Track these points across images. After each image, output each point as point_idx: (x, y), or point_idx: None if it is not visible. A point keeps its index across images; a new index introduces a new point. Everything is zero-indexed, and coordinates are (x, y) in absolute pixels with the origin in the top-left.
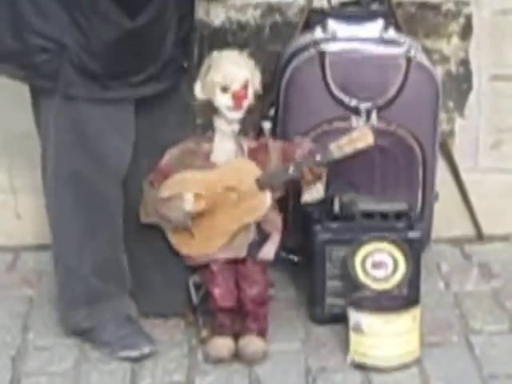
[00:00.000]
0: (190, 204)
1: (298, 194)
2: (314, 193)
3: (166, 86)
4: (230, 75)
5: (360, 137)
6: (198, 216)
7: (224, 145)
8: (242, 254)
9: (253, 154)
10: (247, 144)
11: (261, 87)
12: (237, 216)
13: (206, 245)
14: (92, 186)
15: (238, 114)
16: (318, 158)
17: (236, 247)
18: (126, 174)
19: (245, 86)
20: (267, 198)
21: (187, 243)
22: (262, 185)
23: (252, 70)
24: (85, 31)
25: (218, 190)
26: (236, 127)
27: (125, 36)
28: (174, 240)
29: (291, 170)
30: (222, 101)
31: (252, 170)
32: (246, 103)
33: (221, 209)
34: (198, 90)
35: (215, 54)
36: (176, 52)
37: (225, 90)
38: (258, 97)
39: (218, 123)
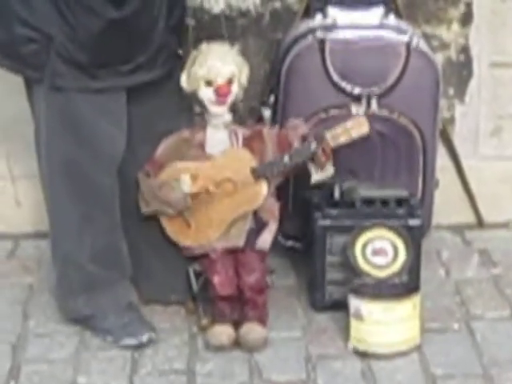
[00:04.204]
0: (187, 184)
1: (299, 181)
2: (325, 172)
3: (158, 74)
4: (214, 69)
5: (355, 126)
6: (194, 206)
7: (216, 135)
8: (240, 243)
9: (248, 143)
10: (242, 133)
11: (247, 82)
12: (233, 206)
13: (203, 235)
14: (85, 173)
15: (222, 109)
16: (313, 147)
17: (233, 237)
18: (122, 161)
19: (229, 82)
20: (263, 188)
21: (184, 234)
22: (257, 175)
23: (239, 65)
24: (70, 22)
25: (214, 180)
26: (227, 117)
27: (111, 26)
28: (171, 232)
29: (286, 159)
30: (206, 94)
31: (247, 160)
32: (229, 98)
33: (217, 199)
34: (184, 81)
35: (203, 46)
36: (168, 40)
37: (209, 83)
38: (258, 84)
39: (209, 115)
